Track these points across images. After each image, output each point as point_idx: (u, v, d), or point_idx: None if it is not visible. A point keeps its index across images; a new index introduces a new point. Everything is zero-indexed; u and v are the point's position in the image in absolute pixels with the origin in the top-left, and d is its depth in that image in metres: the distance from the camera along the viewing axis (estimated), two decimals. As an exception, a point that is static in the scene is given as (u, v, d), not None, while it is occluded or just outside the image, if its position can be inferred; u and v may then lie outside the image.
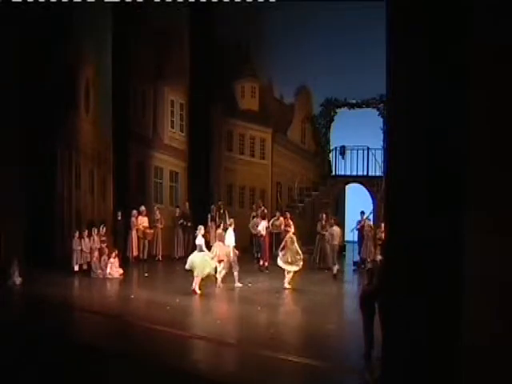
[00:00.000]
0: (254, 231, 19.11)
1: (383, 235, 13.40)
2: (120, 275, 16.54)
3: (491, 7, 6.64)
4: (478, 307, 6.56)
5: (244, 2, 19.75)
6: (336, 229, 17.29)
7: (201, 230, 15.03)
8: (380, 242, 16.07)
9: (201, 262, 14.31)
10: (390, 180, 7.84)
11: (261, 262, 17.53)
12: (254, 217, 19.87)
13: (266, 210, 19.62)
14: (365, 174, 20.37)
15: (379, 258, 15.02)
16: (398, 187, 7.52)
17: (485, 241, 6.59)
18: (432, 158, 7.04)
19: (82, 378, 9.20)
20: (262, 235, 17.86)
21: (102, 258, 16.55)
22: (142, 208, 18.88)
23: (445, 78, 6.91)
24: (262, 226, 17.89)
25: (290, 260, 14.96)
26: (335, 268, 16.78)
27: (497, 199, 6.63)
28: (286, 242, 15.17)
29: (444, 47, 6.93)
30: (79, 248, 16.71)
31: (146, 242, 19.06)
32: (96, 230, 17.08)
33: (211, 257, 14.64)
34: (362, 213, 18.48)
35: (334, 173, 21.47)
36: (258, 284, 15.59)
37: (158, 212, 19.68)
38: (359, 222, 18.45)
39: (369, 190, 20.05)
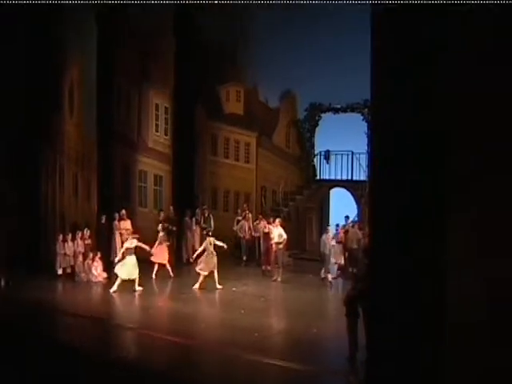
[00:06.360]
0: (240, 234, 19.56)
1: (367, 239, 13.47)
2: (104, 279, 16.50)
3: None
4: (464, 310, 6.61)
5: (229, 6, 19.81)
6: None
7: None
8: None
9: None
10: (374, 184, 7.88)
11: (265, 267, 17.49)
12: (238, 220, 20.02)
13: (250, 214, 19.83)
14: (349, 178, 20.48)
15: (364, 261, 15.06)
16: (382, 191, 7.56)
17: (469, 242, 6.64)
18: (416, 163, 7.08)
19: (66, 381, 9.16)
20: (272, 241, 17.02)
21: (86, 262, 16.48)
22: (123, 212, 18.64)
23: (429, 82, 6.97)
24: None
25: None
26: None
27: (483, 205, 6.68)
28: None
29: (426, 52, 6.99)
30: (63, 252, 16.61)
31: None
32: (80, 234, 16.99)
33: None
34: (347, 217, 18.51)
35: (318, 177, 21.56)
36: (243, 288, 15.61)
37: (161, 217, 19.19)
38: (344, 225, 18.31)
39: (353, 195, 20.15)
